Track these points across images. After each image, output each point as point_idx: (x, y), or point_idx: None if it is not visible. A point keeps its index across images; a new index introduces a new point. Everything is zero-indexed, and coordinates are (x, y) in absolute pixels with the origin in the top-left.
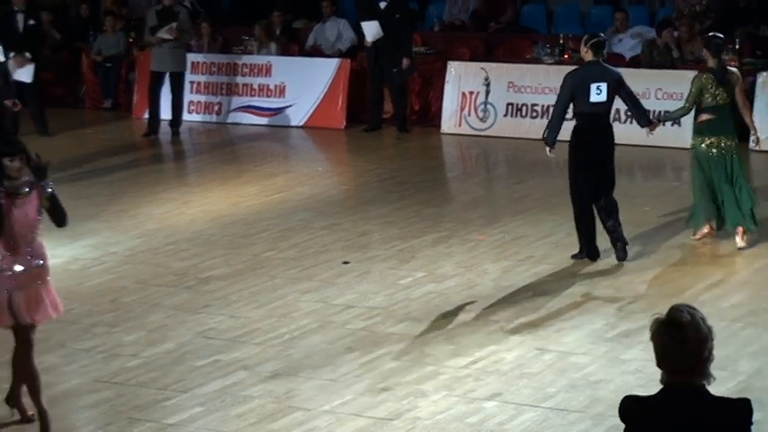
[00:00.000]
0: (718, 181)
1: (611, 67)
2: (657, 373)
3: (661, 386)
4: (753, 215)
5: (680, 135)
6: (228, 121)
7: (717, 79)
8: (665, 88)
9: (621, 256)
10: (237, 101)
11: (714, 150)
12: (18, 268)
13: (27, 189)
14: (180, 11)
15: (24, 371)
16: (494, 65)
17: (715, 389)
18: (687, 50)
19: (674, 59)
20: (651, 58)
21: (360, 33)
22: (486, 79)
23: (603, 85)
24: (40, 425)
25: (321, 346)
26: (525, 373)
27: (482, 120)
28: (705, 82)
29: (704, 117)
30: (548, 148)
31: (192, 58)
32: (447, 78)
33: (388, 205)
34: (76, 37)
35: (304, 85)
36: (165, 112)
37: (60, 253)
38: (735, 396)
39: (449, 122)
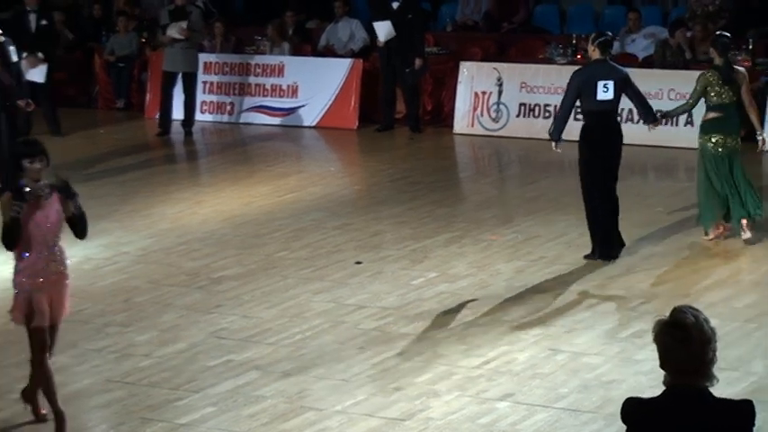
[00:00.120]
0: (725, 177)
1: (617, 65)
2: None
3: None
4: (755, 203)
5: (693, 135)
6: (241, 121)
7: (723, 77)
8: (677, 89)
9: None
10: (250, 101)
11: (720, 149)
12: (39, 271)
13: (48, 191)
14: (192, 11)
15: (39, 373)
16: (506, 65)
17: (727, 389)
18: (700, 51)
19: (687, 60)
20: (664, 59)
21: (372, 33)
22: (499, 79)
23: (610, 83)
24: (56, 426)
25: (333, 347)
26: (538, 373)
27: (495, 120)
28: (710, 79)
29: (710, 115)
30: (553, 144)
31: (204, 58)
32: (459, 78)
33: (400, 205)
34: (89, 37)
35: (316, 85)
36: (178, 112)
37: (73, 253)
38: (748, 397)
39: (461, 123)
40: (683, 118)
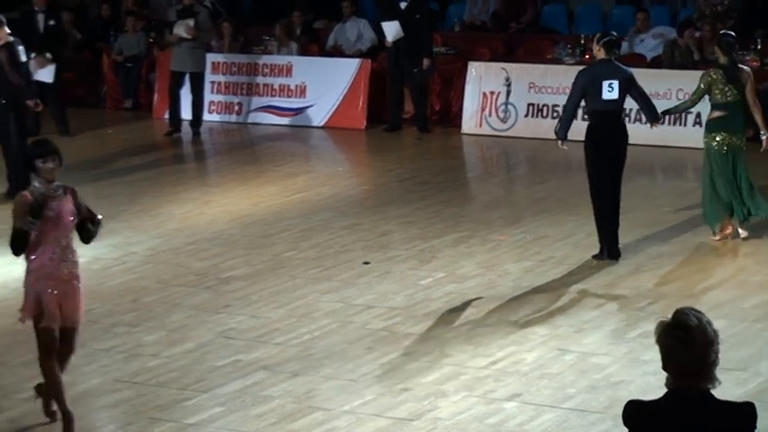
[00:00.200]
0: (728, 176)
1: (622, 65)
2: None
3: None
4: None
5: (701, 135)
6: (249, 121)
7: (727, 76)
8: (686, 89)
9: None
10: (258, 101)
11: (726, 147)
12: (50, 271)
13: (61, 192)
14: (200, 11)
15: (44, 374)
16: (514, 65)
17: (735, 390)
18: (708, 51)
19: (696, 61)
20: (672, 59)
21: (380, 33)
22: (507, 79)
23: (615, 83)
24: (63, 426)
25: (341, 347)
26: (545, 373)
27: (503, 120)
28: (714, 78)
29: (715, 114)
30: (560, 142)
31: (212, 58)
32: (468, 79)
33: (408, 205)
34: (97, 37)
35: (324, 85)
36: (186, 112)
37: (81, 253)
38: (756, 397)
39: (469, 123)
40: (691, 118)
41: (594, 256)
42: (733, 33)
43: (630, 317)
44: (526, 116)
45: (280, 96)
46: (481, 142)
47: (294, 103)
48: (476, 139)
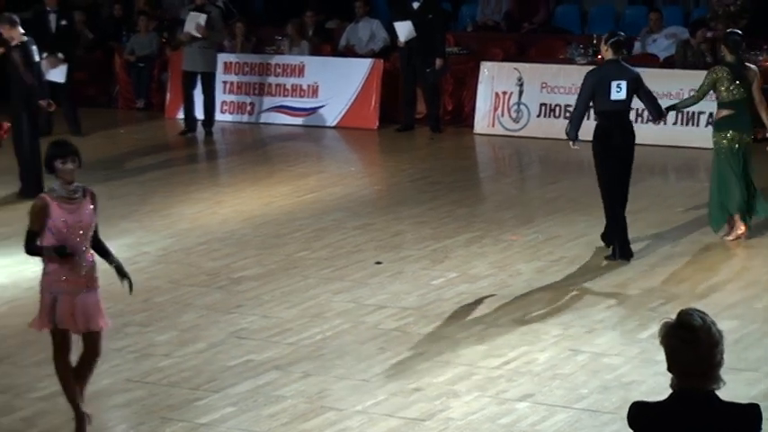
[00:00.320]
0: (740, 173)
1: (629, 65)
2: None
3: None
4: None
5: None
6: (261, 121)
7: (733, 74)
8: None
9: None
10: (270, 101)
11: (736, 145)
12: (66, 273)
13: (80, 193)
14: (212, 11)
15: (58, 374)
16: (527, 65)
17: (747, 390)
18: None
19: (708, 63)
20: (685, 59)
21: (393, 33)
22: (520, 80)
23: (623, 83)
24: (76, 426)
25: (353, 347)
26: (558, 374)
27: (515, 120)
28: (719, 75)
29: (723, 113)
30: (571, 142)
31: (224, 58)
32: (480, 79)
33: (420, 205)
34: (109, 37)
35: (337, 85)
36: (199, 112)
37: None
38: (765, 399)
39: (482, 123)
40: (704, 118)
41: (607, 257)
42: (739, 32)
43: (643, 317)
44: (538, 116)
45: (292, 96)
46: (493, 142)
47: (306, 103)
48: (488, 139)
